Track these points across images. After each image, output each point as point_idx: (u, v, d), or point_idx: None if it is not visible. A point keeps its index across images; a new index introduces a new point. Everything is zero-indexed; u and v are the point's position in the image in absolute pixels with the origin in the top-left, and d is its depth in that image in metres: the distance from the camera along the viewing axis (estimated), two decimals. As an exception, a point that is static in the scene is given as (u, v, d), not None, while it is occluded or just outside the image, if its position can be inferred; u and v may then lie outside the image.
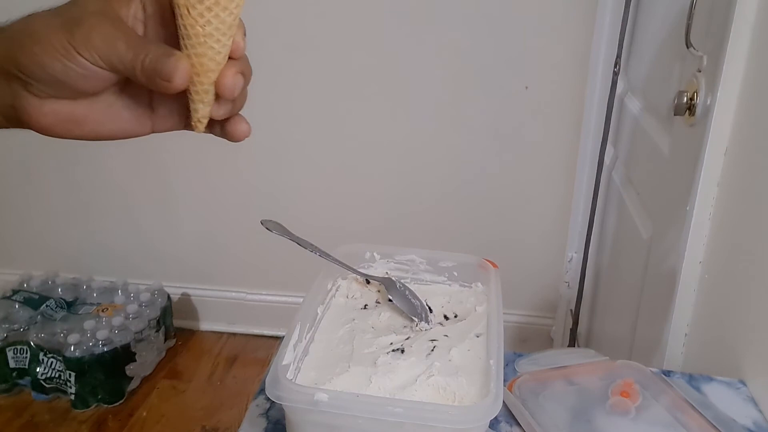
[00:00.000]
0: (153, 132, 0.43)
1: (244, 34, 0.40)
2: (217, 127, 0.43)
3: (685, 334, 0.90)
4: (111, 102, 0.41)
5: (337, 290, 0.74)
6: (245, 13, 0.40)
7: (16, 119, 0.39)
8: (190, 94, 0.40)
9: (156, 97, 0.43)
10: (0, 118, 0.40)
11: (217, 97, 0.40)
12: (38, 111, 0.38)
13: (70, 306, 1.92)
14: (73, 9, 0.37)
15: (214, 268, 2.06)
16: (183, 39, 0.38)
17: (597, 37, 1.53)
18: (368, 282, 0.75)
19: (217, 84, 0.40)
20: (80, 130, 0.40)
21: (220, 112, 0.41)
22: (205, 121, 0.42)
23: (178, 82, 0.37)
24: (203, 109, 0.41)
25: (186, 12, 0.37)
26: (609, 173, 1.44)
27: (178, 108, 0.42)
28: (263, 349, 2.03)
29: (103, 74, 0.37)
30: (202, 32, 0.37)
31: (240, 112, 0.43)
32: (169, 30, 0.39)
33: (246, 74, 0.41)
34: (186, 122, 0.42)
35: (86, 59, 0.36)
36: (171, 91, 0.38)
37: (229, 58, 0.40)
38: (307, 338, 0.65)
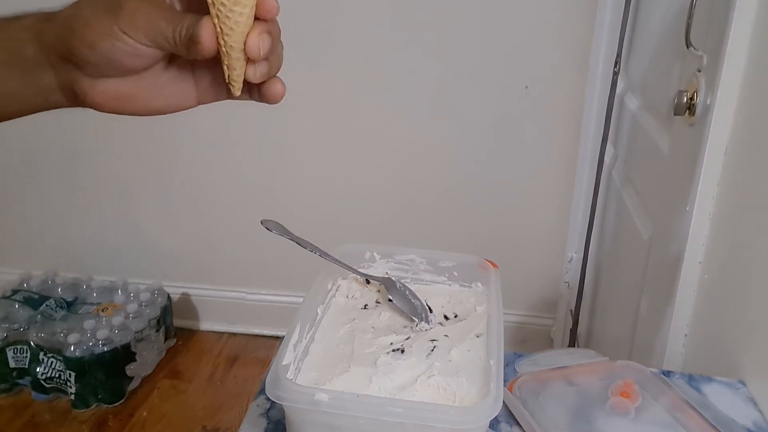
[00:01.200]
0: (199, 104, 0.46)
1: None
2: (255, 90, 0.45)
3: (685, 335, 0.90)
4: (157, 78, 0.43)
5: (337, 290, 0.74)
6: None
7: (74, 98, 0.43)
8: (221, 57, 0.41)
9: (198, 70, 0.45)
10: (61, 98, 0.43)
11: (249, 59, 0.42)
12: (92, 89, 0.42)
13: (70, 306, 1.92)
14: None
15: (214, 268, 2.06)
16: (209, 5, 0.40)
17: (597, 37, 1.53)
18: (368, 282, 0.75)
19: (245, 45, 0.41)
20: (132, 105, 0.43)
21: (256, 75, 0.42)
22: (238, 84, 0.43)
23: (206, 44, 0.39)
24: (231, 71, 0.42)
25: None
26: (609, 173, 1.44)
27: (220, 79, 0.44)
28: (263, 349, 2.03)
29: (147, 51, 0.40)
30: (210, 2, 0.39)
31: (278, 75, 0.45)
32: (203, 2, 0.41)
33: (273, 34, 0.42)
34: (228, 93, 0.44)
35: (132, 38, 0.39)
36: (203, 54, 0.40)
37: (259, 19, 0.41)
38: (308, 338, 0.65)
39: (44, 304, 1.87)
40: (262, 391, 0.66)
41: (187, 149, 1.83)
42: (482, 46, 1.63)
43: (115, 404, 1.77)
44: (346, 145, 1.80)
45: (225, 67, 0.42)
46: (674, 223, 0.91)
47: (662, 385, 0.70)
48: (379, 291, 0.74)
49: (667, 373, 0.75)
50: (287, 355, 0.58)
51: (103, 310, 1.86)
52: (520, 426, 0.65)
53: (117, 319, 1.78)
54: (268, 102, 0.45)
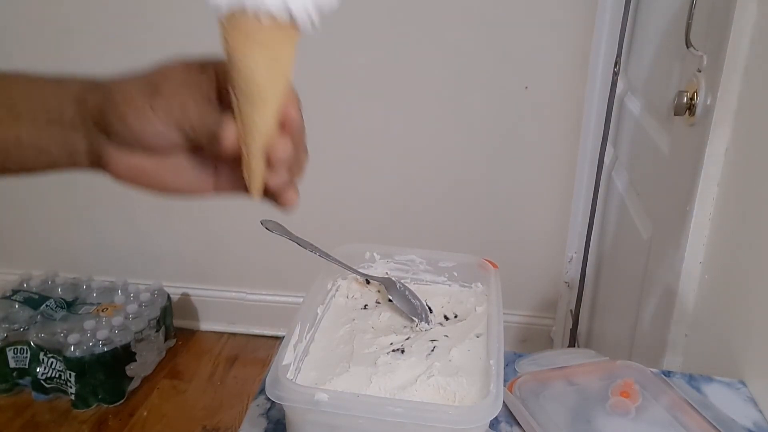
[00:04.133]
0: (215, 193, 0.48)
1: (299, 107, 0.43)
2: (270, 194, 0.46)
3: (685, 335, 0.90)
4: (179, 162, 0.45)
5: (337, 290, 0.74)
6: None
7: (97, 164, 0.45)
8: (243, 158, 0.43)
9: (220, 163, 0.47)
10: (86, 162, 0.45)
11: (269, 164, 0.43)
12: (116, 160, 0.44)
13: (70, 306, 1.92)
14: (159, 75, 0.42)
15: (214, 268, 2.06)
16: (233, 106, 0.41)
17: (597, 37, 1.53)
18: (368, 282, 0.75)
19: (266, 150, 0.42)
20: (149, 182, 0.45)
21: (275, 181, 0.44)
22: (256, 187, 0.44)
23: (226, 144, 0.41)
24: (251, 175, 0.44)
25: (228, 77, 0.40)
26: (609, 173, 1.44)
27: (240, 175, 0.45)
28: (263, 349, 2.03)
29: (172, 135, 0.42)
30: (234, 98, 0.41)
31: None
32: None
33: (296, 143, 0.44)
34: (246, 189, 0.46)
35: (160, 120, 0.41)
36: (222, 152, 0.42)
37: (283, 128, 0.43)
38: (308, 338, 0.65)
39: (44, 305, 1.87)
40: (262, 391, 0.66)
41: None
42: (482, 47, 1.63)
43: (115, 404, 1.77)
44: (346, 145, 1.80)
45: (245, 169, 0.43)
46: (674, 223, 0.91)
47: (662, 385, 0.70)
48: (379, 291, 0.74)
49: (667, 373, 0.75)
50: (287, 355, 0.58)
51: (103, 311, 1.86)
52: (520, 426, 0.65)
53: (117, 320, 1.78)
54: (280, 208, 0.46)
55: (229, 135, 0.41)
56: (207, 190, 0.48)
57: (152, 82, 0.42)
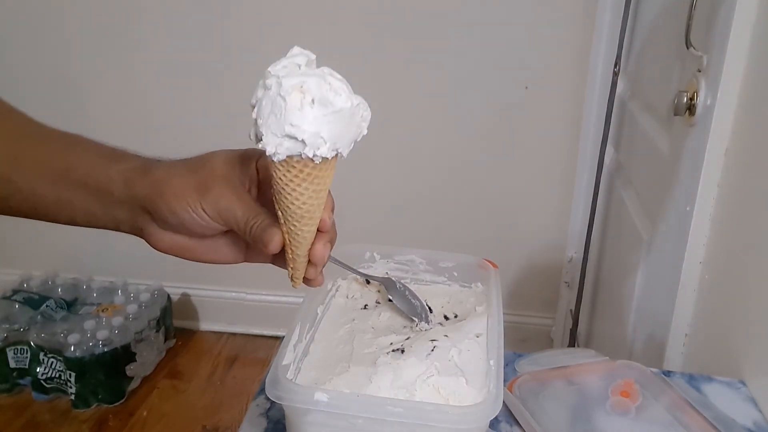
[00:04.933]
0: (245, 261, 0.54)
1: (332, 210, 0.49)
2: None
3: (685, 334, 0.90)
4: (216, 240, 0.50)
5: (337, 290, 0.74)
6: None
7: (138, 234, 0.50)
8: (287, 259, 0.49)
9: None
10: (127, 229, 0.50)
11: (311, 262, 0.50)
12: (158, 238, 0.49)
13: (70, 306, 1.92)
14: (205, 171, 0.46)
15: (214, 268, 2.03)
16: (279, 219, 0.47)
17: (597, 37, 1.53)
18: (368, 282, 0.75)
19: (310, 253, 0.49)
20: (187, 254, 0.50)
21: (314, 275, 0.51)
22: (299, 280, 0.51)
23: (272, 249, 0.46)
24: (295, 271, 0.50)
25: (273, 196, 0.46)
26: (609, 173, 1.44)
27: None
28: (263, 349, 2.03)
29: (218, 227, 0.47)
30: (282, 215, 0.46)
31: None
32: None
33: (333, 242, 0.50)
34: (273, 259, 0.51)
35: (210, 217, 0.46)
36: (266, 253, 0.47)
37: (321, 231, 0.48)
38: (307, 338, 0.65)
39: (44, 305, 1.87)
40: (262, 391, 0.66)
41: (187, 149, 1.82)
42: (482, 47, 1.63)
43: (116, 404, 1.77)
44: (346, 145, 1.79)
45: (289, 268, 0.50)
46: (674, 223, 0.91)
47: (662, 384, 0.70)
48: (379, 291, 0.74)
49: (667, 373, 0.75)
50: (287, 355, 0.58)
51: (103, 311, 1.86)
52: (520, 426, 0.66)
53: (117, 320, 1.78)
54: (309, 286, 0.53)
55: (275, 243, 0.46)
56: (239, 260, 0.53)
57: (201, 181, 0.46)
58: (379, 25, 1.65)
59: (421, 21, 1.62)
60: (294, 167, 0.44)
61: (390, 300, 0.71)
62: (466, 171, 1.77)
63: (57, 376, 1.75)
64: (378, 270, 0.76)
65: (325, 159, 0.43)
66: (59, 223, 0.51)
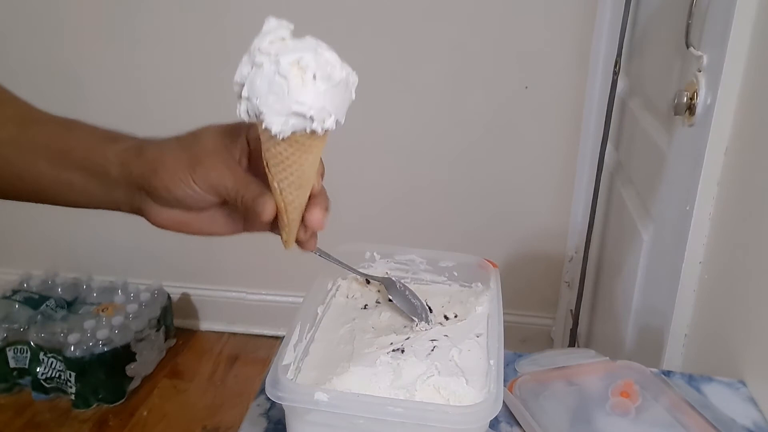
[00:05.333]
0: (244, 232, 0.54)
1: (322, 176, 0.50)
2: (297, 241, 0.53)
3: (685, 335, 0.90)
4: (213, 213, 0.51)
5: (337, 290, 0.74)
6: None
7: (138, 213, 0.51)
8: (279, 223, 0.49)
9: None
10: (128, 209, 0.51)
11: (303, 224, 0.50)
12: (157, 214, 0.50)
13: (70, 306, 1.92)
14: (196, 145, 0.48)
15: (214, 268, 2.05)
16: (274, 189, 0.47)
17: (597, 36, 1.53)
18: (368, 282, 0.75)
19: (304, 218, 0.50)
20: (186, 229, 0.52)
21: (306, 237, 0.51)
22: (291, 242, 0.51)
23: (265, 217, 0.47)
24: (288, 235, 0.50)
25: (266, 168, 0.46)
26: (609, 173, 1.44)
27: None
28: (264, 348, 2.03)
29: (212, 199, 0.48)
30: (277, 186, 0.47)
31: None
32: None
33: (327, 207, 0.51)
34: (272, 227, 0.52)
35: (202, 189, 0.47)
36: (261, 222, 0.48)
37: (313, 197, 0.49)
38: (308, 338, 0.65)
39: (44, 304, 1.87)
40: (263, 390, 0.66)
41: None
42: (482, 47, 1.63)
43: (116, 404, 1.77)
44: (346, 145, 1.79)
45: (281, 229, 0.50)
46: (674, 223, 0.91)
47: (662, 385, 0.70)
48: (379, 291, 0.74)
49: (667, 373, 0.75)
50: (287, 355, 0.58)
51: (103, 310, 1.86)
52: (520, 426, 0.66)
53: (117, 319, 1.78)
54: (302, 250, 0.53)
55: (268, 211, 0.47)
56: (237, 231, 0.53)
57: (193, 155, 0.47)
58: (379, 24, 1.65)
59: (421, 20, 1.62)
60: (297, 141, 0.44)
61: (390, 300, 0.71)
62: (466, 171, 1.77)
63: (57, 375, 1.75)
64: (378, 270, 0.76)
65: (327, 132, 0.44)
66: (60, 204, 0.52)
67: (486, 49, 1.63)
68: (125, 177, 0.48)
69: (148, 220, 0.51)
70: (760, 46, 0.75)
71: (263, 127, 0.43)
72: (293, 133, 0.43)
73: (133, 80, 1.80)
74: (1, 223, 2.08)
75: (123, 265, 2.05)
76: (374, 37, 1.66)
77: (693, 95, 0.83)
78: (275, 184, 0.47)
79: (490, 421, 0.53)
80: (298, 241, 0.52)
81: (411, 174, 1.80)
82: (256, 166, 0.49)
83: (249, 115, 0.44)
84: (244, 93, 0.43)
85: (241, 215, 0.52)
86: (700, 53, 0.84)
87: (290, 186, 0.47)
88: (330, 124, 0.44)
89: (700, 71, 0.83)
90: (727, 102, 0.79)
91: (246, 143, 0.49)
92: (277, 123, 0.42)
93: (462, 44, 1.63)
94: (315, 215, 0.50)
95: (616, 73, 1.32)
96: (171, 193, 0.47)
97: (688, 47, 0.85)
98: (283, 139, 0.44)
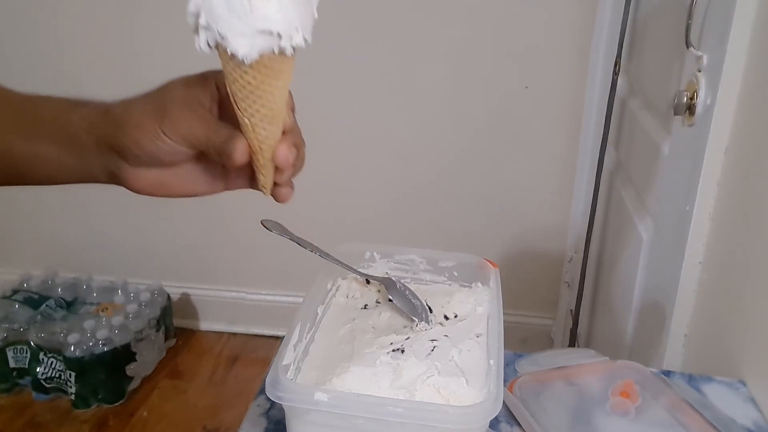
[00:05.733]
0: (226, 190, 0.53)
1: (293, 110, 0.48)
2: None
3: (685, 335, 0.90)
4: (191, 169, 0.50)
5: (337, 290, 0.74)
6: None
7: (114, 179, 0.49)
8: (254, 166, 0.48)
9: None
10: (104, 177, 0.50)
11: (278, 167, 0.48)
12: (133, 176, 0.48)
13: (70, 306, 1.92)
14: (163, 98, 0.46)
15: (214, 268, 2.05)
16: (240, 124, 0.46)
17: (597, 36, 1.53)
18: (368, 282, 0.75)
19: (273, 157, 0.47)
20: (166, 191, 0.50)
21: (284, 179, 0.50)
22: (269, 187, 0.50)
23: (238, 159, 0.46)
24: (265, 178, 0.49)
25: (235, 106, 0.45)
26: (609, 173, 1.44)
27: (246, 171, 0.50)
28: (264, 349, 2.03)
29: (184, 150, 0.47)
30: (249, 123, 0.45)
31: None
32: None
33: (298, 145, 0.49)
34: (252, 182, 0.51)
35: (172, 140, 0.46)
36: (234, 166, 0.47)
37: (284, 133, 0.47)
38: (308, 338, 0.65)
39: (44, 304, 1.87)
40: (263, 391, 0.66)
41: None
42: (482, 47, 1.63)
43: (116, 404, 1.77)
44: (346, 145, 1.80)
45: (260, 176, 0.48)
46: (674, 223, 0.91)
47: (662, 385, 0.70)
48: (379, 291, 0.74)
49: (667, 373, 0.75)
50: (287, 355, 0.58)
51: (103, 310, 1.86)
52: (520, 426, 0.66)
53: (117, 319, 1.78)
54: (277, 201, 0.51)
55: (240, 151, 0.45)
56: (218, 189, 0.52)
57: (159, 106, 0.46)
58: (378, 25, 1.65)
59: (420, 20, 1.62)
60: (266, 66, 0.42)
61: (390, 300, 0.71)
62: (466, 171, 1.77)
63: (57, 375, 1.75)
64: (378, 270, 0.76)
65: (296, 49, 0.42)
66: (36, 182, 0.51)
67: (486, 48, 1.63)
68: (94, 139, 0.47)
69: (126, 185, 0.49)
70: (760, 46, 0.75)
71: (228, 53, 0.41)
72: (261, 56, 0.41)
73: (133, 82, 1.80)
74: (1, 223, 2.08)
75: (123, 265, 2.05)
76: (374, 37, 1.66)
77: (693, 95, 0.83)
78: (246, 120, 0.45)
79: (490, 421, 0.53)
80: (275, 189, 0.50)
81: (411, 174, 1.80)
82: (228, 115, 0.48)
83: (210, 46, 0.42)
84: (202, 21, 0.41)
85: (220, 171, 0.51)
86: (700, 53, 0.84)
87: (262, 120, 0.45)
88: (298, 40, 0.42)
89: (700, 71, 0.84)
90: (727, 102, 0.79)
91: (216, 90, 0.48)
92: (243, 45, 0.40)
93: (462, 44, 1.63)
94: (281, 151, 0.47)
95: (616, 73, 1.32)
96: (142, 148, 0.46)
97: (688, 47, 0.85)
98: (251, 66, 0.42)
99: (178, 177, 0.50)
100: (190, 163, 0.49)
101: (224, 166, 0.50)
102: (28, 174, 0.50)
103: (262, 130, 0.45)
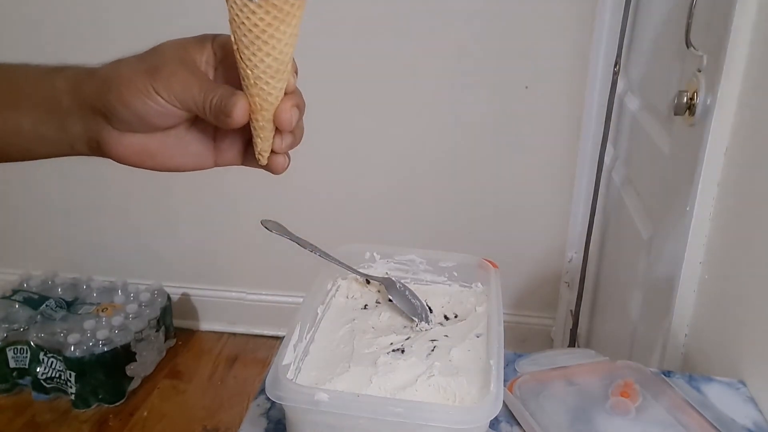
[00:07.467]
0: (215, 165, 0.49)
1: (296, 72, 0.45)
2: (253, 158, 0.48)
3: (685, 334, 0.90)
4: (180, 137, 0.47)
5: (337, 290, 0.74)
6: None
7: (98, 149, 0.46)
8: (253, 129, 0.45)
9: (219, 135, 0.48)
10: (85, 148, 0.46)
11: (278, 130, 0.45)
12: (117, 143, 0.45)
13: (70, 306, 1.92)
14: (156, 56, 0.43)
15: (214, 268, 2.05)
16: (242, 80, 0.43)
17: (597, 36, 1.53)
18: (368, 282, 0.75)
19: (275, 117, 0.44)
20: (152, 161, 0.46)
21: (283, 145, 0.46)
22: (267, 155, 0.47)
23: (237, 117, 0.42)
24: (263, 143, 0.46)
25: (239, 57, 0.42)
26: (609, 173, 1.44)
27: (238, 144, 0.48)
28: (263, 349, 2.03)
29: (177, 112, 0.43)
30: (251, 75, 0.42)
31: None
32: (237, 72, 0.43)
33: (300, 107, 0.46)
34: (244, 158, 0.48)
35: (165, 99, 0.42)
36: (232, 126, 0.43)
37: (285, 93, 0.44)
38: (308, 338, 0.65)
39: (44, 305, 1.87)
40: (263, 391, 0.66)
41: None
42: (482, 46, 1.63)
43: (116, 404, 1.77)
44: (346, 145, 1.80)
45: (255, 137, 0.45)
46: (674, 223, 0.91)
47: (662, 385, 0.70)
48: (379, 291, 0.74)
49: (667, 373, 0.75)
50: (287, 355, 0.58)
51: (103, 311, 1.86)
52: (520, 426, 0.66)
53: (117, 320, 1.78)
54: (272, 172, 0.48)
55: (240, 107, 0.42)
56: (207, 163, 0.49)
57: (151, 64, 0.42)
58: (378, 25, 1.65)
59: (421, 21, 1.62)
60: (275, 6, 0.40)
61: (390, 300, 0.71)
62: (466, 171, 1.77)
63: (57, 376, 1.75)
64: (378, 270, 0.76)
65: None
66: (11, 159, 0.48)
67: (486, 49, 1.63)
68: (78, 101, 0.44)
69: (110, 154, 0.45)
70: (760, 46, 0.75)
71: None
72: None
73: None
74: (1, 223, 2.08)
75: (123, 265, 2.05)
76: (374, 38, 1.66)
77: (693, 95, 0.84)
78: (249, 72, 0.42)
79: (490, 421, 0.53)
80: (272, 156, 0.47)
81: (411, 174, 1.80)
82: (224, 79, 0.45)
83: None
84: None
85: (213, 141, 0.48)
86: (700, 53, 0.84)
87: (265, 73, 0.42)
88: None
89: (700, 71, 0.84)
90: (727, 102, 0.79)
91: (212, 53, 0.45)
92: None
93: (462, 44, 1.63)
94: (284, 110, 0.44)
95: (616, 73, 1.32)
96: (130, 109, 0.42)
97: (688, 47, 0.85)
98: (258, 5, 0.40)
99: (165, 145, 0.46)
100: (181, 130, 0.46)
101: (216, 134, 0.47)
102: (3, 150, 0.47)
103: (264, 85, 0.43)
